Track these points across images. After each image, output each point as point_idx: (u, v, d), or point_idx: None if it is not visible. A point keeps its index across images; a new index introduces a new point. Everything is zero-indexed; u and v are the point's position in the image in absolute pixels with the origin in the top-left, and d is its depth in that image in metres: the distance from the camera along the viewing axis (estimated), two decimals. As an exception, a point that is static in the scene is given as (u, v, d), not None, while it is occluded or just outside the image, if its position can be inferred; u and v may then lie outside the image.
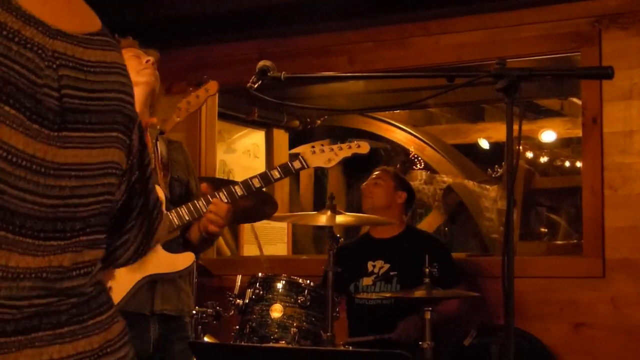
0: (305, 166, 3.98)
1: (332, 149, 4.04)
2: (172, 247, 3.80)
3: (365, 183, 5.44)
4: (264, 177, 3.88)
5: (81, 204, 1.52)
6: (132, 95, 1.65)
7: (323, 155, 4.02)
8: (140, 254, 1.77)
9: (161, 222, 1.80)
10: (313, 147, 4.03)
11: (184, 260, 3.76)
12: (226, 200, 3.80)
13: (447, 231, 10.29)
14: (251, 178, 3.87)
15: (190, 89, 5.41)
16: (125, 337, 1.66)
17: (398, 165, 9.98)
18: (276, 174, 3.91)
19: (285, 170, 3.94)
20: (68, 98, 1.48)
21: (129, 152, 1.64)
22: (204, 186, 3.89)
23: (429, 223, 9.69)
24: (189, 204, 3.80)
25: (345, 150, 4.06)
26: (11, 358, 1.41)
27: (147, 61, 4.13)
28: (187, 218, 3.78)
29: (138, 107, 3.88)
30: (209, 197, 3.79)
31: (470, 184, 9.74)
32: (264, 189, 3.90)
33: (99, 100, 1.55)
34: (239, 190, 3.83)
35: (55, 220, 1.48)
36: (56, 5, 1.52)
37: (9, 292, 1.41)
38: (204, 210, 3.77)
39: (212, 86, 4.49)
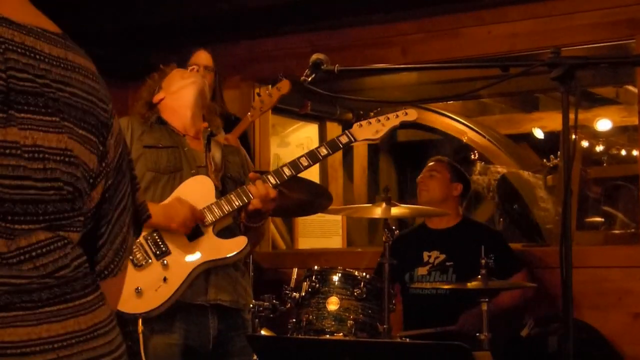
0: (352, 139, 3.95)
1: (379, 120, 4.00)
2: (227, 235, 3.82)
3: (420, 176, 5.41)
4: (312, 155, 3.86)
5: (37, 187, 1.50)
6: (107, 104, 1.64)
7: (370, 127, 3.99)
8: (111, 270, 1.71)
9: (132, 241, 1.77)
10: (360, 124, 4.01)
11: (236, 244, 3.78)
12: (274, 182, 3.80)
13: (502, 222, 10.23)
14: (299, 157, 3.86)
15: (263, 88, 5.45)
16: (113, 321, 1.64)
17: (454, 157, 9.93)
18: (323, 150, 3.89)
19: (333, 145, 3.92)
20: (14, 80, 1.48)
21: (101, 157, 1.62)
22: (251, 174, 3.89)
23: (482, 213, 9.63)
24: (238, 189, 3.81)
25: (392, 119, 4.02)
26: None
27: (191, 69, 4.18)
28: (237, 203, 3.79)
29: (189, 109, 3.92)
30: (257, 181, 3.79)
31: (525, 174, 9.66)
32: (315, 181, 3.90)
33: (58, 90, 1.53)
34: (287, 171, 3.83)
35: (19, 203, 1.47)
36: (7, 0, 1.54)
37: None
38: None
39: (285, 85, 4.51)
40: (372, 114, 4.11)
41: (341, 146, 3.94)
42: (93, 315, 1.59)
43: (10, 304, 1.45)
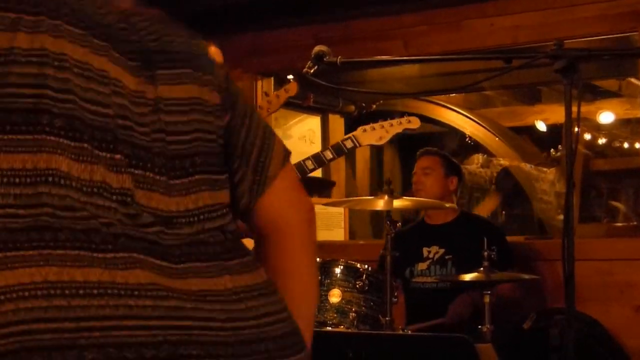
0: (357, 144, 3.99)
1: (382, 126, 4.04)
2: None
3: (414, 173, 5.37)
4: (317, 159, 3.89)
5: (181, 140, 1.51)
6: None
7: (374, 132, 4.03)
8: (255, 194, 1.65)
9: (273, 158, 1.71)
10: (365, 129, 4.03)
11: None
12: None
13: (503, 214, 10.23)
14: (304, 160, 3.88)
15: (273, 92, 5.45)
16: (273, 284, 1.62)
17: (455, 149, 9.93)
18: (329, 154, 3.92)
19: (338, 149, 3.95)
20: (149, 41, 1.52)
21: (218, 90, 1.61)
22: None
23: (485, 207, 9.63)
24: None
25: (395, 126, 4.06)
26: (178, 284, 1.40)
27: None
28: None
29: None
30: None
31: (527, 166, 9.66)
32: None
33: (179, 43, 1.58)
34: None
35: (168, 157, 1.48)
36: None
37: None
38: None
39: (292, 87, 4.52)
40: (378, 121, 4.13)
41: (346, 150, 4.00)
42: (257, 274, 1.57)
43: (187, 255, 1.46)
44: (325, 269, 4.22)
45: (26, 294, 1.28)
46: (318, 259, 4.30)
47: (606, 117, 9.48)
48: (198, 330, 1.40)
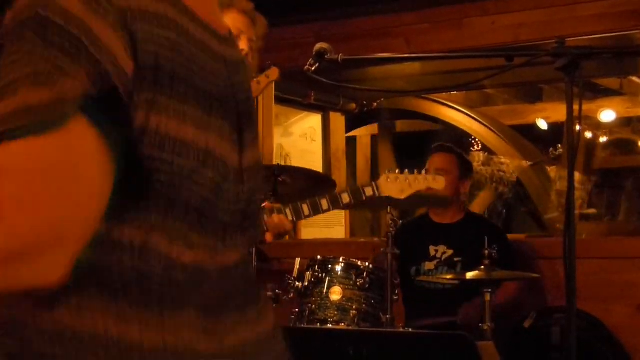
0: (377, 194, 3.97)
1: (407, 179, 4.02)
2: None
3: (426, 170, 5.29)
4: (333, 200, 3.90)
5: (253, 199, 1.53)
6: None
7: (397, 184, 4.00)
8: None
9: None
10: (389, 177, 4.01)
11: None
12: (291, 218, 3.82)
13: (504, 213, 10.23)
14: (320, 198, 3.88)
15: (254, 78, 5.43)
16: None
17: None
18: (346, 197, 3.92)
19: (356, 195, 3.95)
20: (241, 103, 1.49)
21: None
22: (267, 204, 3.90)
23: (481, 202, 9.60)
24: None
25: (420, 182, 4.05)
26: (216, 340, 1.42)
27: None
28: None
29: None
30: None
31: (527, 165, 9.66)
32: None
33: (248, 99, 1.54)
34: (305, 210, 3.86)
35: (237, 219, 1.49)
36: (207, 4, 1.50)
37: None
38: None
39: (273, 72, 4.48)
40: (405, 173, 4.11)
41: (364, 198, 3.98)
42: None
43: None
44: (326, 267, 4.22)
45: None
46: (319, 257, 4.30)
47: (607, 115, 9.47)
48: None
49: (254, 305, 1.54)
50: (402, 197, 4.04)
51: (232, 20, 3.65)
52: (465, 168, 5.31)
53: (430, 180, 4.07)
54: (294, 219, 3.82)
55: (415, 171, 4.11)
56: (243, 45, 3.66)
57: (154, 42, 1.29)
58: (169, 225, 1.32)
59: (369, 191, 3.95)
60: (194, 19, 1.40)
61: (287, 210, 3.82)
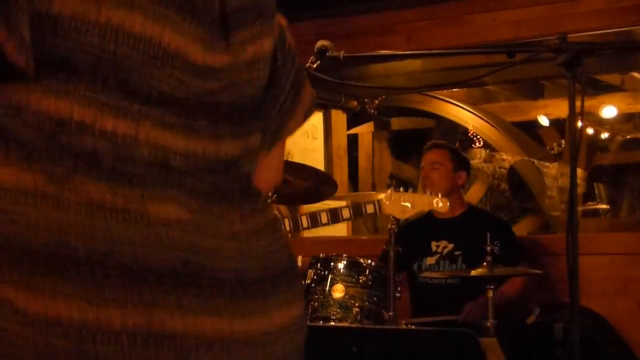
0: (378, 212, 3.99)
1: (409, 199, 4.03)
2: None
3: (421, 167, 5.32)
4: (334, 215, 3.91)
5: (245, 96, 1.55)
6: None
7: (399, 204, 4.02)
8: (268, 146, 1.72)
9: (295, 115, 1.76)
10: (392, 196, 4.02)
11: None
12: (289, 229, 3.83)
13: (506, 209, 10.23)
14: (320, 212, 3.90)
15: None
16: None
17: (457, 144, 9.91)
18: (346, 213, 3.94)
19: (357, 211, 3.97)
20: (228, 3, 1.51)
21: (273, 37, 1.64)
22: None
23: (473, 194, 9.58)
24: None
25: (422, 204, 4.08)
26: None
27: None
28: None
29: None
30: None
31: (530, 161, 9.66)
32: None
33: None
34: (304, 222, 3.86)
35: (227, 109, 1.52)
36: None
37: None
38: None
39: None
40: (409, 193, 4.11)
41: (364, 214, 3.99)
42: (267, 212, 1.66)
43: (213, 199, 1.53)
44: (328, 265, 4.22)
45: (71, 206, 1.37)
46: (321, 255, 4.30)
47: (609, 111, 9.48)
48: (214, 263, 1.47)
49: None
50: (403, 217, 4.07)
51: None
52: (459, 160, 5.33)
53: (434, 202, 4.08)
54: (292, 230, 3.83)
55: (419, 191, 4.12)
56: None
57: None
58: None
59: (370, 208, 3.97)
60: None
61: (286, 221, 3.83)
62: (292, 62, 1.72)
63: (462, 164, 5.34)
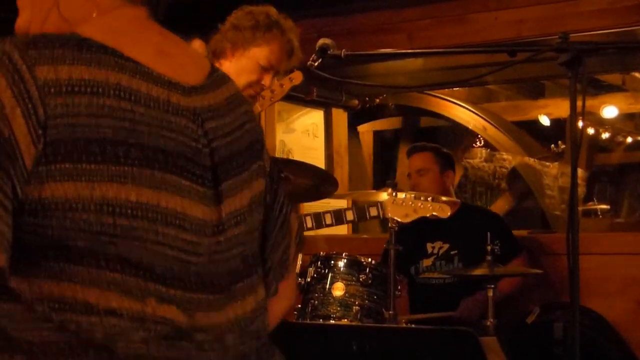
0: (381, 216, 3.99)
1: (412, 203, 4.03)
2: None
3: (408, 175, 5.30)
4: (337, 216, 3.91)
5: (245, 244, 1.55)
6: (255, 117, 1.66)
7: (402, 208, 4.02)
8: (276, 282, 1.72)
9: (291, 252, 1.76)
10: (394, 200, 4.02)
11: None
12: None
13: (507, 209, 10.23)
14: (324, 213, 3.90)
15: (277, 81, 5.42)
16: None
17: (462, 148, 9.92)
18: (350, 215, 3.94)
19: (360, 214, 3.97)
20: (217, 151, 1.50)
21: (264, 174, 1.64)
22: None
23: (499, 207, 9.62)
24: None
25: (425, 209, 4.06)
26: None
27: None
28: None
29: None
30: None
31: (531, 161, 9.67)
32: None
33: (237, 139, 1.55)
34: (309, 222, 3.87)
35: (228, 273, 1.51)
36: (172, 55, 1.52)
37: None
38: None
39: (297, 76, 4.46)
40: (410, 195, 4.11)
41: (368, 217, 4.00)
42: None
43: None
44: (328, 263, 4.22)
45: None
46: (322, 253, 4.30)
47: (609, 111, 9.48)
48: None
49: None
50: (406, 220, 4.07)
51: (268, 51, 3.61)
52: (444, 161, 5.32)
53: (437, 208, 4.08)
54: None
55: (422, 197, 4.12)
56: (267, 80, 3.61)
57: (76, 114, 1.35)
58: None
59: (373, 211, 3.97)
60: (147, 78, 1.43)
61: None
62: (282, 199, 1.73)
63: (447, 163, 5.33)
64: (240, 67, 3.46)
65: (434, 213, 4.10)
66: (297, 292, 4.26)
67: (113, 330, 1.36)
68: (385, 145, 11.04)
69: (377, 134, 10.48)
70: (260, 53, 3.57)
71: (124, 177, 1.37)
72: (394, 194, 4.07)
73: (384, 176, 10.12)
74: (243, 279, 1.54)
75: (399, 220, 4.07)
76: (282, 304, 1.74)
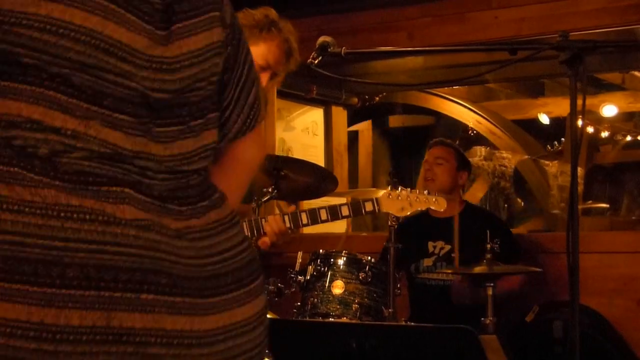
0: (377, 210, 3.99)
1: (408, 197, 4.03)
2: None
3: (425, 162, 5.31)
4: (332, 211, 3.92)
5: (195, 88, 1.58)
6: None
7: (397, 202, 4.02)
8: (249, 125, 1.78)
9: (261, 102, 1.82)
10: (390, 194, 4.02)
11: None
12: (289, 225, 3.83)
13: (506, 208, 10.23)
14: (319, 209, 3.90)
15: None
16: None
17: (457, 141, 9.90)
18: (345, 210, 3.94)
19: (356, 209, 3.97)
20: None
21: (223, 25, 1.67)
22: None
23: (474, 193, 9.57)
24: (251, 220, 3.84)
25: (421, 202, 4.06)
26: (159, 219, 1.53)
27: None
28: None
29: None
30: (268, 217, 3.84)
31: (530, 159, 9.66)
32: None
33: None
34: (304, 219, 3.86)
35: (172, 107, 1.55)
36: None
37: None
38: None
39: None
40: (406, 190, 4.11)
41: (363, 212, 4.01)
42: (223, 209, 1.71)
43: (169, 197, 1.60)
44: (328, 261, 4.22)
45: (25, 209, 1.40)
46: (321, 251, 4.30)
47: (609, 110, 9.47)
48: (169, 262, 1.50)
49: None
50: (402, 214, 4.07)
51: (266, 50, 3.62)
52: (462, 160, 5.35)
53: (432, 200, 4.08)
54: (292, 227, 3.83)
55: (418, 190, 4.12)
56: (264, 79, 3.62)
57: None
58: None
59: (369, 206, 3.97)
60: None
61: (286, 218, 3.83)
62: (246, 54, 1.76)
63: (464, 164, 5.35)
64: None
65: (431, 206, 4.10)
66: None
67: (57, 147, 1.41)
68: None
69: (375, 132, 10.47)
70: (258, 51, 3.58)
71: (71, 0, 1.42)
72: (390, 188, 4.07)
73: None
74: (186, 122, 1.58)
75: (395, 214, 4.07)
76: (251, 150, 1.80)
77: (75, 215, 1.41)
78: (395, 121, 10.60)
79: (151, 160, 1.52)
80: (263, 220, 3.83)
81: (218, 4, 1.66)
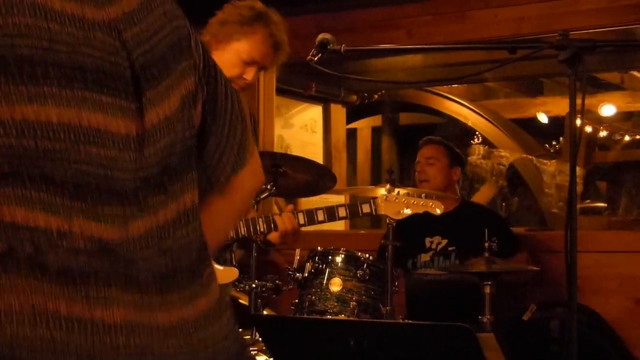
0: (374, 212, 4.00)
1: (405, 200, 4.04)
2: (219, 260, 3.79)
3: (417, 162, 5.33)
4: (330, 213, 3.92)
5: (172, 152, 1.52)
6: (180, 14, 1.61)
7: (395, 204, 4.04)
8: (242, 157, 1.74)
9: (249, 133, 1.78)
10: (387, 197, 4.03)
11: (227, 275, 3.74)
12: (303, 222, 3.85)
13: (504, 206, 10.24)
14: (316, 209, 3.91)
15: None
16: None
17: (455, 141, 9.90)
18: (343, 212, 3.96)
19: (353, 211, 3.99)
20: (137, 61, 1.47)
21: (195, 71, 1.61)
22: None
23: (483, 195, 9.61)
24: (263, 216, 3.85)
25: (418, 206, 4.08)
26: (147, 318, 1.44)
27: None
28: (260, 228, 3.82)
29: None
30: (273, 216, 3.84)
31: (529, 158, 9.67)
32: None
33: (158, 43, 1.52)
34: (301, 219, 3.88)
35: (149, 183, 1.49)
36: None
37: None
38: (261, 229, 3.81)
39: None
40: (404, 191, 4.12)
41: (360, 214, 4.02)
42: (212, 293, 1.63)
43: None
44: (326, 258, 4.22)
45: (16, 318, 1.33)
46: (319, 248, 4.30)
47: (608, 109, 9.48)
48: None
49: (190, 280, 1.53)
50: (399, 217, 4.09)
51: (248, 46, 3.59)
52: (454, 157, 5.35)
53: (429, 205, 4.10)
54: (307, 223, 3.84)
55: (415, 194, 4.13)
56: (249, 75, 3.59)
57: None
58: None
59: (366, 208, 3.98)
60: None
61: (299, 214, 3.85)
62: (224, 82, 1.71)
63: (457, 160, 5.35)
64: (222, 61, 3.46)
65: (427, 210, 4.11)
66: (295, 287, 4.26)
67: (43, 245, 1.36)
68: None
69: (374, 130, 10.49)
70: (241, 47, 3.57)
71: (44, 98, 1.36)
72: (387, 191, 4.08)
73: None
74: (172, 183, 1.53)
75: (392, 217, 4.08)
76: (250, 181, 1.78)
77: (64, 325, 1.36)
78: (405, 118, 10.61)
79: (138, 241, 1.46)
80: (276, 216, 3.84)
81: (187, 48, 1.59)
